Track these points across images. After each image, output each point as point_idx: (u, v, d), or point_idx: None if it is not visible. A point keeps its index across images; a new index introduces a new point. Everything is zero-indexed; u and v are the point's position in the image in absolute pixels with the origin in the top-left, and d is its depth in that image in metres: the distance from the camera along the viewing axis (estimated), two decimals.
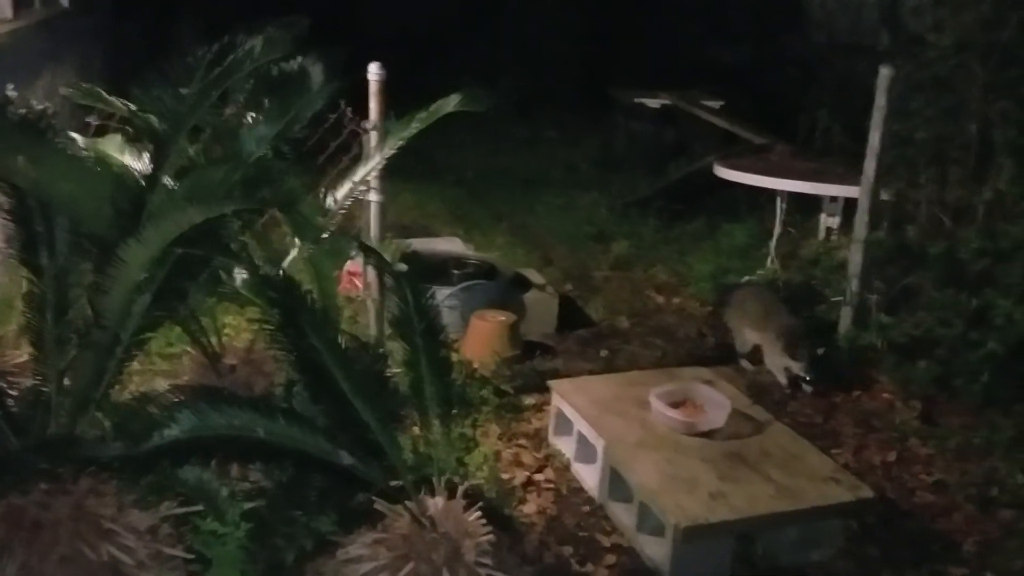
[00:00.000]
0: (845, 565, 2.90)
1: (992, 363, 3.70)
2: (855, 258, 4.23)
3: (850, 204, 4.65)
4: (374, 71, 3.51)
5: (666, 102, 7.82)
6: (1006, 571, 2.91)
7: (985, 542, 3.06)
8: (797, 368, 3.94)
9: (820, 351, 3.95)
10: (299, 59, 2.67)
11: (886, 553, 2.98)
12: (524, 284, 4.77)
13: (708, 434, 3.15)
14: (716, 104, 7.58)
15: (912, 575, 2.87)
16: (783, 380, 4.05)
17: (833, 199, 5.31)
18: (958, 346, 3.80)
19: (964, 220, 3.95)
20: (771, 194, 5.48)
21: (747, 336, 4.20)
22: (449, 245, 5.38)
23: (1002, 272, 3.70)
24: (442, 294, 4.20)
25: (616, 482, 3.06)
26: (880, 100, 4.02)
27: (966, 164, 3.96)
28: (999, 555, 2.99)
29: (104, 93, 2.81)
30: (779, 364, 4.05)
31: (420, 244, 4.83)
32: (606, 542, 2.96)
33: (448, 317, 3.68)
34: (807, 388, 4.00)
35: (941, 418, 3.83)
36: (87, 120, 2.99)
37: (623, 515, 3.02)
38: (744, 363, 4.27)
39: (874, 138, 4.07)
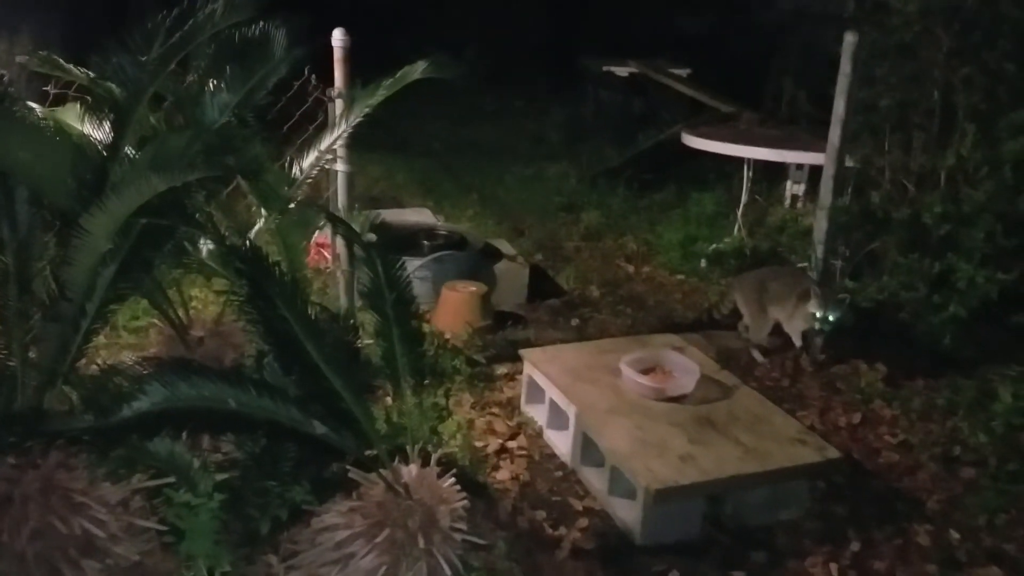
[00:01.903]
0: (813, 524, 2.95)
1: (954, 326, 3.77)
2: (820, 224, 4.26)
3: (816, 171, 4.69)
4: (338, 37, 3.45)
5: (634, 71, 7.81)
6: (968, 527, 2.98)
7: (948, 500, 3.13)
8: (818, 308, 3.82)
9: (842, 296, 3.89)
10: (261, 24, 2.63)
11: (853, 512, 3.04)
12: (494, 255, 4.78)
13: (678, 399, 3.18)
14: (683, 72, 7.59)
15: (878, 533, 2.92)
16: (798, 343, 4.04)
17: (799, 166, 5.37)
18: (921, 309, 3.86)
19: (927, 185, 3.98)
20: (738, 162, 5.51)
21: (771, 315, 4.06)
22: (419, 216, 5.37)
23: (964, 236, 3.75)
24: (413, 265, 4.19)
25: (588, 447, 3.09)
26: (845, 67, 4.03)
27: (929, 130, 3.99)
28: (961, 512, 3.06)
29: (62, 61, 2.74)
30: (798, 327, 4.00)
31: (390, 215, 4.81)
32: (578, 506, 2.99)
33: (419, 288, 3.67)
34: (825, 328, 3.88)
35: (905, 380, 3.91)
36: (44, 89, 2.91)
37: (595, 479, 3.05)
38: (756, 354, 4.13)
39: (839, 105, 4.09)
